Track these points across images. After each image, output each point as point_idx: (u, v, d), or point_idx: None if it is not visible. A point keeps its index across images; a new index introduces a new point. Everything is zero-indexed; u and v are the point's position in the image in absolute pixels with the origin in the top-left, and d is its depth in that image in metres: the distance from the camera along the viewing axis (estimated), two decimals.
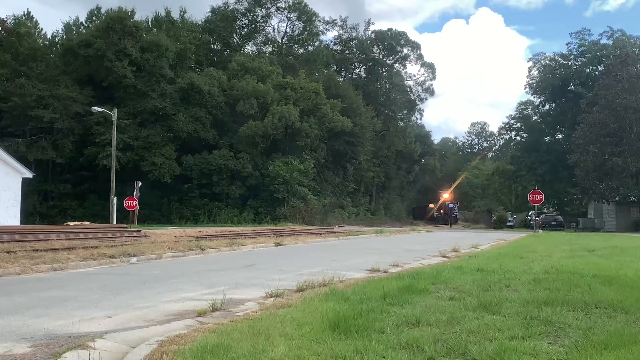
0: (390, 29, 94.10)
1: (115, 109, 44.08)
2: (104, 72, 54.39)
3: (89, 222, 36.89)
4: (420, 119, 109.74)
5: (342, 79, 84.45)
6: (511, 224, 68.16)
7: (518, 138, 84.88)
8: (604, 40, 72.56)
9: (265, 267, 14.81)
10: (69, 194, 56.10)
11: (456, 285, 9.31)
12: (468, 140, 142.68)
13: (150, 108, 55.96)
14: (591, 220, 63.35)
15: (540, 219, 58.58)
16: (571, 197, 68.90)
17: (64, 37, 65.65)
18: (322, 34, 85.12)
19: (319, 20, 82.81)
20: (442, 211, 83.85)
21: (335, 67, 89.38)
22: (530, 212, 63.95)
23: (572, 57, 76.12)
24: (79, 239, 23.33)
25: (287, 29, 79.84)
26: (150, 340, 5.81)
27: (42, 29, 67.38)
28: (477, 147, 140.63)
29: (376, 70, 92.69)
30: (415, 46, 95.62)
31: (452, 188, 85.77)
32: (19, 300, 9.01)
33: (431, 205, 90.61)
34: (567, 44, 76.76)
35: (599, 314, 6.82)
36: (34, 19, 66.27)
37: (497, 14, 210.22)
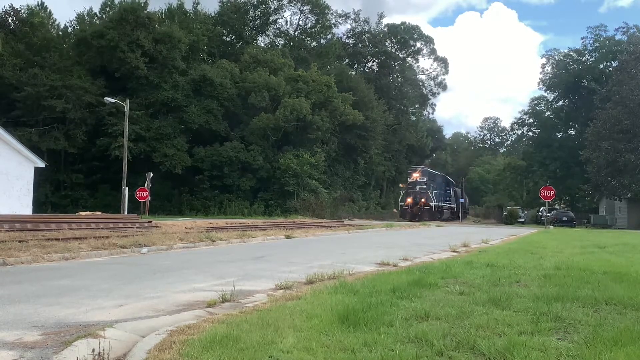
0: (403, 23, 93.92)
1: (128, 100, 44.23)
2: (117, 63, 54.62)
3: (100, 212, 37.12)
4: (432, 113, 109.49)
5: (354, 73, 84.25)
6: (522, 220, 67.94)
7: (530, 133, 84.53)
8: (619, 36, 72.10)
9: (275, 259, 14.83)
10: (81, 184, 56.44)
11: (466, 279, 9.29)
12: (480, 135, 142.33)
13: (162, 99, 56.17)
14: (603, 216, 63.03)
15: (552, 215, 58.40)
16: (583, 193, 68.53)
17: (77, 27, 65.84)
18: (335, 27, 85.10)
19: (332, 13, 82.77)
20: (409, 200, 57.47)
21: (347, 60, 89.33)
22: (542, 208, 63.73)
23: (586, 52, 75.59)
24: (90, 228, 23.46)
25: (300, 22, 79.89)
26: (160, 330, 5.83)
27: (55, 20, 67.82)
28: (489, 142, 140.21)
29: (388, 64, 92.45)
30: (428, 40, 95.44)
31: (423, 167, 64.34)
32: (30, 289, 9.08)
33: (402, 186, 65.62)
34: (582, 39, 76.01)
35: (609, 311, 6.79)
36: (48, 10, 66.64)
37: (510, 9, 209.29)
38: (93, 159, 55.36)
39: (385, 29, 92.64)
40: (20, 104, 51.94)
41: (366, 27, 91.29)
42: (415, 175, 58.43)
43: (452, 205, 69.04)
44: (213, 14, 73.98)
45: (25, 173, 33.56)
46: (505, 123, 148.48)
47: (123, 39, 54.14)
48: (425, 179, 58.14)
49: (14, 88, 51.75)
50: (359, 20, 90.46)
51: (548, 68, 78.60)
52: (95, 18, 67.18)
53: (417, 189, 57.27)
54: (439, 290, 8.23)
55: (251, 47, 68.89)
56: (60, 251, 14.36)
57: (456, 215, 69.56)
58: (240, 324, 5.86)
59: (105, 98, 43.95)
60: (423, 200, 56.51)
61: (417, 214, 55.53)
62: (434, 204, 57.88)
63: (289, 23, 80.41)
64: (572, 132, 78.24)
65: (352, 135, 67.17)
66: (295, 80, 61.79)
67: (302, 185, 57.04)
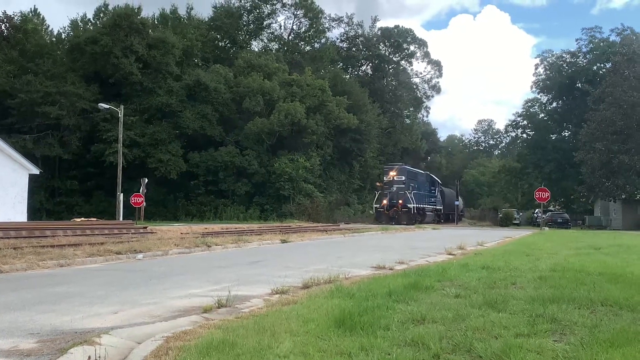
0: (397, 26, 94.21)
1: (122, 106, 44.13)
2: (111, 68, 54.51)
3: (95, 219, 37.01)
4: (427, 116, 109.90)
5: (348, 76, 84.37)
6: (517, 222, 68.02)
7: (524, 135, 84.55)
8: (613, 38, 72.16)
9: (270, 263, 14.83)
10: (76, 191, 56.25)
11: (462, 282, 9.31)
12: (474, 137, 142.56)
13: (156, 105, 56.07)
14: (597, 218, 63.14)
15: (547, 217, 58.45)
16: (577, 194, 68.61)
17: (71, 34, 65.75)
18: (329, 30, 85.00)
19: (325, 18, 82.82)
20: (385, 201, 52.50)
21: (341, 64, 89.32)
22: (537, 210, 63.81)
23: (580, 54, 75.73)
24: (85, 235, 23.41)
25: (294, 26, 79.87)
26: (156, 336, 5.83)
27: (49, 26, 67.69)
28: (483, 144, 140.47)
29: (382, 67, 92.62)
30: (421, 43, 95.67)
31: (401, 164, 57.55)
32: (26, 296, 9.05)
33: (378, 184, 58.14)
34: (576, 40, 75.79)
35: (605, 312, 6.81)
36: (41, 16, 66.53)
37: (503, 12, 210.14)
38: (88, 165, 55.19)
39: (379, 33, 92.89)
40: (14, 110, 51.76)
41: (360, 31, 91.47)
42: (392, 174, 52.97)
43: (438, 207, 64.23)
44: (206, 19, 73.86)
45: (20, 180, 33.43)
46: (500, 125, 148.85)
47: (117, 44, 54.05)
48: (403, 178, 52.66)
49: (7, 95, 51.54)
50: (353, 24, 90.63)
51: (541, 70, 78.77)
52: (89, 24, 67.04)
53: (394, 189, 52.07)
54: (435, 293, 8.24)
55: (245, 52, 68.89)
56: (56, 258, 14.32)
57: (442, 218, 65.23)
58: (237, 329, 5.85)
59: (100, 104, 43.90)
60: (400, 201, 51.10)
61: (394, 217, 50.40)
62: (412, 205, 52.13)
63: (282, 27, 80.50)
64: (566, 134, 78.33)
65: (346, 139, 67.22)
66: (289, 84, 61.85)
67: (298, 190, 57.00)
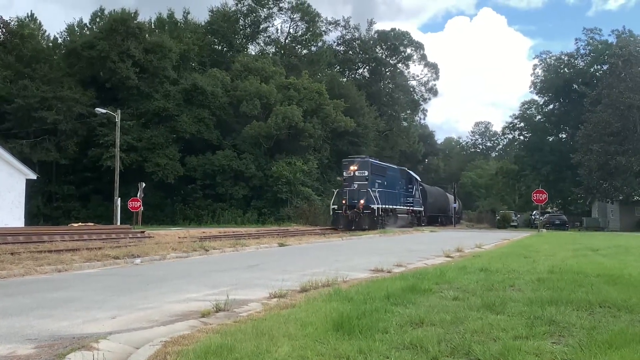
0: (393, 29, 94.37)
1: (119, 110, 44.13)
2: (108, 73, 54.54)
3: (92, 223, 36.93)
4: (424, 118, 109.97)
5: (345, 79, 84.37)
6: (515, 224, 67.96)
7: (522, 137, 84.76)
8: (612, 39, 72.26)
9: (268, 267, 14.79)
10: (73, 195, 56.20)
11: (460, 285, 9.30)
12: (472, 140, 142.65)
13: (153, 109, 56.07)
14: (595, 219, 63.21)
15: (544, 219, 58.48)
16: (575, 196, 68.77)
17: (68, 38, 65.83)
18: (325, 34, 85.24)
19: (322, 21, 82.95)
20: (343, 201, 42.49)
21: (338, 67, 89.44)
22: (534, 212, 63.85)
23: (578, 55, 75.84)
24: (83, 240, 23.33)
25: (290, 30, 79.99)
26: (154, 341, 5.81)
27: (45, 31, 67.74)
28: (480, 146, 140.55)
29: (379, 70, 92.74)
30: (418, 46, 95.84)
31: (365, 157, 46.86)
32: (23, 301, 9.02)
33: (340, 179, 48.95)
34: (575, 41, 75.57)
35: (603, 314, 6.81)
36: (38, 21, 66.60)
37: (499, 14, 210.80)
38: (85, 169, 55.16)
39: (376, 36, 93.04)
40: (10, 115, 51.76)
41: (356, 34, 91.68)
42: (353, 168, 43.06)
43: (416, 209, 55.19)
44: (203, 23, 74.09)
45: (17, 185, 33.38)
46: (497, 127, 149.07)
47: (113, 49, 54.07)
48: (366, 173, 42.81)
49: (4, 100, 51.58)
50: (349, 27, 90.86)
51: (539, 71, 78.92)
52: (85, 29, 67.18)
53: (355, 186, 42.59)
54: (433, 296, 8.23)
55: (242, 56, 68.89)
56: (53, 263, 14.28)
57: (423, 221, 57.11)
58: (235, 334, 5.84)
59: (96, 109, 43.91)
60: (362, 201, 41.80)
61: (354, 220, 41.67)
62: (377, 206, 42.52)
63: (279, 31, 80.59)
64: (563, 136, 78.56)
65: (344, 142, 67.25)
66: (286, 87, 61.87)
67: (295, 193, 56.96)
